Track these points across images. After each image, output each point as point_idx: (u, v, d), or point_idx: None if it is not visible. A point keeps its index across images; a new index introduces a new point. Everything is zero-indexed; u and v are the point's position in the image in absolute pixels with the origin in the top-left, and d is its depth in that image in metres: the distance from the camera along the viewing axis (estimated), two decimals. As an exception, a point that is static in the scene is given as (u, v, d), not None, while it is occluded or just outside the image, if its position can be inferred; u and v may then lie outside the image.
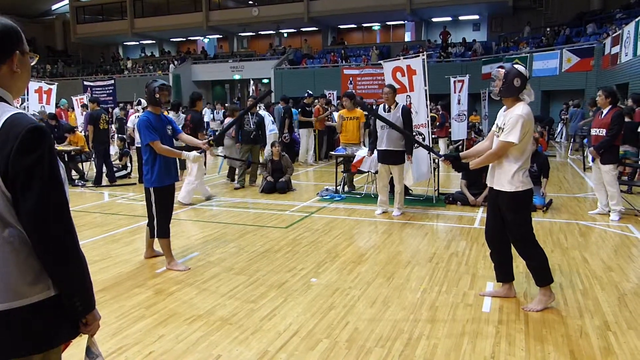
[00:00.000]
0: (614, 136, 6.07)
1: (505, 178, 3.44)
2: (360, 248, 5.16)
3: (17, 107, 1.47)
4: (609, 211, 6.34)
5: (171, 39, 33.32)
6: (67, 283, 1.47)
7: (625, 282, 4.09)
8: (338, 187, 8.10)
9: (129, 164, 10.22)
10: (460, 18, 26.47)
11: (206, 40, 32.98)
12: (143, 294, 3.91)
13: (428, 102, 7.04)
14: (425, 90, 6.96)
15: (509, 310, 3.53)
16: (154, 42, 33.28)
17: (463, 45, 24.29)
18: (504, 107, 3.54)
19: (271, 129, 10.44)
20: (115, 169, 9.73)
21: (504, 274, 3.70)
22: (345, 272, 4.42)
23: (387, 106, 6.45)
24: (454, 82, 13.69)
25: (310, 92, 12.87)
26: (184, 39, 33.19)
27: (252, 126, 8.71)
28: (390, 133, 6.27)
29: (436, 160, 7.48)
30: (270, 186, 8.31)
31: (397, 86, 6.89)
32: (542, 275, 3.51)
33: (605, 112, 6.18)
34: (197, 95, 8.19)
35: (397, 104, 6.45)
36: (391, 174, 6.59)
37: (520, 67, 3.45)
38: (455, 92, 13.40)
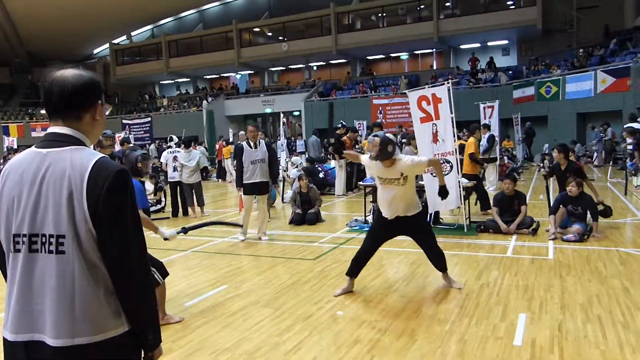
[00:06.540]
0: None
1: (412, 205, 4.45)
2: (389, 279, 5.09)
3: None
4: None
5: (205, 76, 34.54)
6: (144, 318, 1.54)
7: (670, 313, 3.86)
8: (367, 217, 8.06)
9: (162, 199, 10.50)
10: (489, 44, 26.37)
11: (238, 76, 33.99)
12: (170, 327, 3.96)
13: (455, 129, 7.00)
14: (452, 118, 6.93)
15: (543, 344, 3.38)
16: (188, 79, 34.57)
17: (493, 70, 24.08)
18: (381, 165, 4.33)
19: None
20: (149, 204, 9.99)
21: (356, 272, 4.66)
22: (372, 304, 4.35)
23: (252, 143, 7.02)
24: (484, 107, 13.56)
25: (343, 122, 12.99)
26: (217, 76, 34.36)
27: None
28: (261, 166, 6.99)
29: (465, 189, 7.37)
30: (300, 217, 8.35)
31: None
32: (445, 263, 4.65)
33: None
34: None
35: (259, 141, 7.11)
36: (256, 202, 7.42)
37: (392, 136, 4.37)
38: (485, 118, 13.23)
